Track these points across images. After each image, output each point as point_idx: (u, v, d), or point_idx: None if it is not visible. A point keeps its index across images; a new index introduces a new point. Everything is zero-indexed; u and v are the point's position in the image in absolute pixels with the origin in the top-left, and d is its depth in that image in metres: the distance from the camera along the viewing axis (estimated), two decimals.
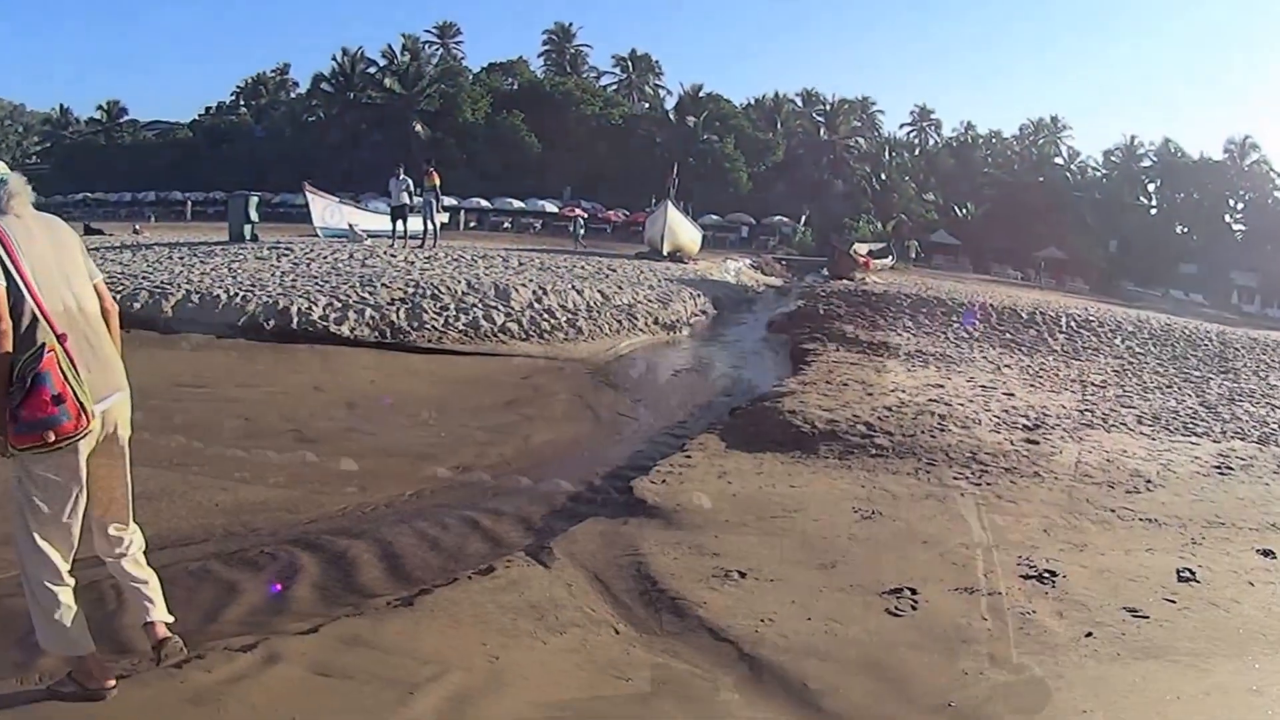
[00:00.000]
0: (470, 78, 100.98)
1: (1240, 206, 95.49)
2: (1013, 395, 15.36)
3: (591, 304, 22.31)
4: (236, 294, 19.56)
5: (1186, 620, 6.73)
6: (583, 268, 29.79)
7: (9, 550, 5.01)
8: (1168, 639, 6.38)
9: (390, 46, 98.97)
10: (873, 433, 11.79)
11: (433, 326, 18.76)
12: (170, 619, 5.12)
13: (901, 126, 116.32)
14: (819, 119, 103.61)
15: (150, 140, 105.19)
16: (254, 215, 33.07)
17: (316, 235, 35.21)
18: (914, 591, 6.89)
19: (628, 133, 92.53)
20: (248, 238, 31.56)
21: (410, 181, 33.29)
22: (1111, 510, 9.44)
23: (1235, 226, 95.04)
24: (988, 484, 10.07)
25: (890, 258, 60.69)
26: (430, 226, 32.97)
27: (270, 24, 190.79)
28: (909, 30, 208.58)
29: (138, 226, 46.19)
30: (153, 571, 5.21)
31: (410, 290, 20.71)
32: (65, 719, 4.74)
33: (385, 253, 28.03)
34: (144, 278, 20.96)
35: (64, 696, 4.84)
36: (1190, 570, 7.69)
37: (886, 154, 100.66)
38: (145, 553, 5.23)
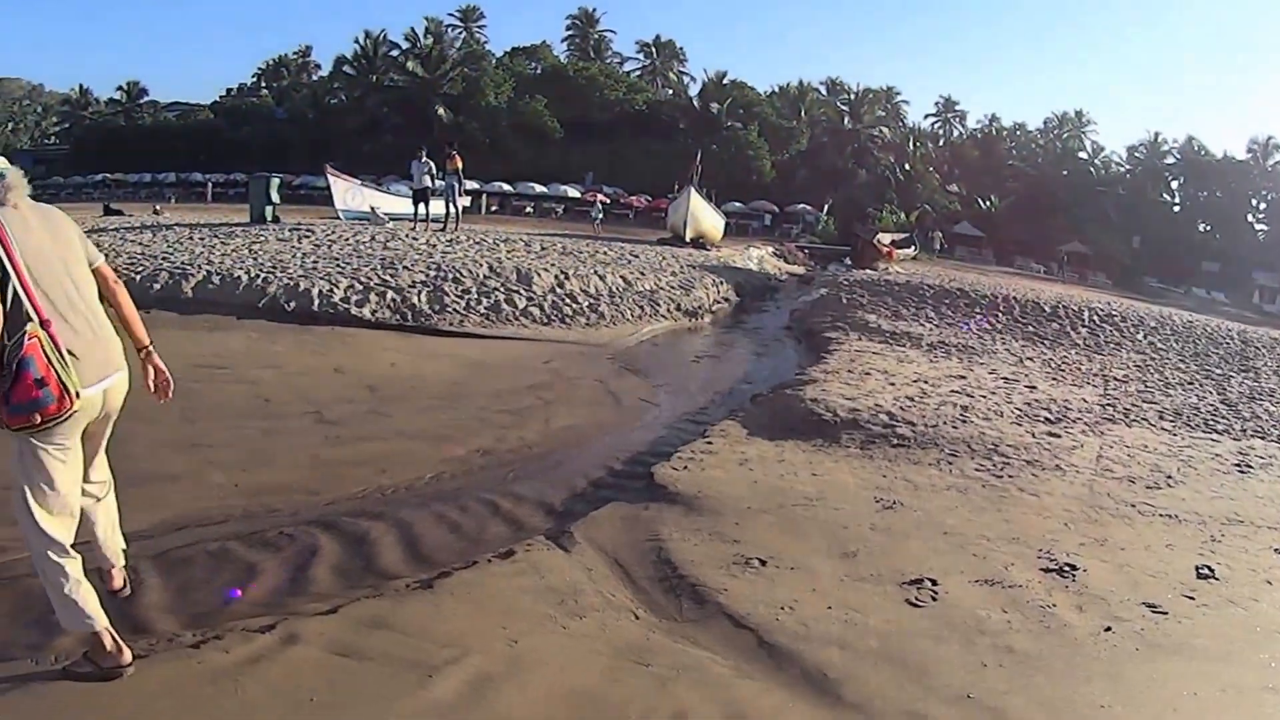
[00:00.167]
0: (493, 62, 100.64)
1: (1263, 206, 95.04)
2: (1035, 388, 15.30)
3: (614, 289, 22.28)
4: (257, 275, 19.55)
5: (1205, 617, 6.75)
6: (605, 253, 29.73)
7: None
8: (1186, 635, 6.40)
9: (413, 29, 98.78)
10: (895, 422, 11.76)
11: (454, 310, 18.72)
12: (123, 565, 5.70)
13: (926, 117, 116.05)
14: (843, 108, 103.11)
15: (170, 121, 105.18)
16: (275, 197, 32.95)
17: (338, 217, 35.07)
18: (934, 582, 6.91)
19: (651, 119, 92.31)
20: (268, 219, 31.44)
21: (432, 164, 33.19)
22: (1132, 505, 9.44)
23: (1258, 226, 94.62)
24: (1009, 476, 10.05)
25: (913, 248, 60.58)
26: (452, 210, 32.95)
27: (292, 6, 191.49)
28: (935, 21, 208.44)
29: (158, 207, 46.38)
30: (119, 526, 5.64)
31: (432, 273, 20.70)
32: (82, 698, 4.75)
33: (407, 236, 27.96)
34: (164, 258, 20.94)
35: (80, 676, 4.87)
36: (1209, 567, 7.70)
37: (911, 144, 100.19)
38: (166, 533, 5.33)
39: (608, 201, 72.31)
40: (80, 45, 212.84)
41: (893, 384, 14.46)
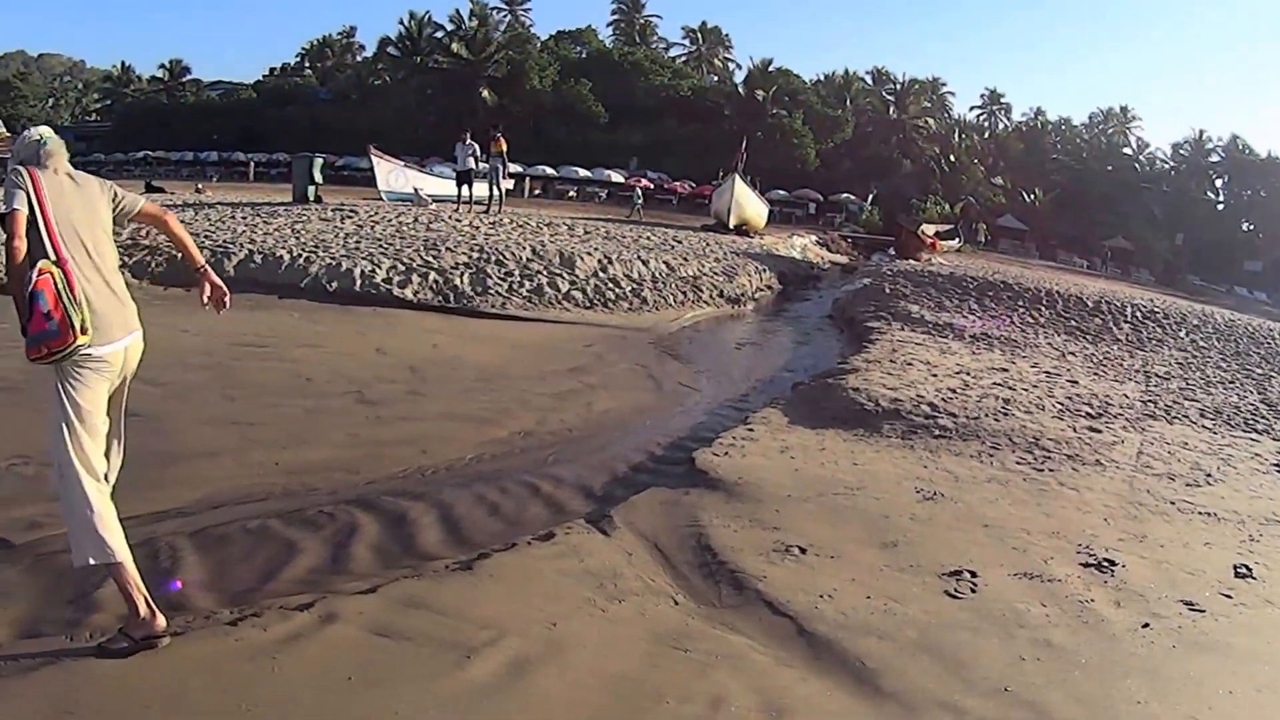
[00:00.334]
0: (538, 45, 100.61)
1: None
2: (1077, 383, 15.21)
3: (656, 274, 22.28)
4: (299, 255, 19.65)
5: (1242, 616, 6.72)
6: (648, 238, 29.78)
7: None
8: (1223, 634, 6.37)
9: (458, 11, 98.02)
10: (936, 413, 11.73)
11: (496, 292, 18.78)
12: None
13: (971, 109, 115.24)
14: (889, 98, 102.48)
15: (213, 100, 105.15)
16: (318, 177, 32.82)
17: (380, 199, 35.06)
18: (974, 574, 6.89)
19: (696, 105, 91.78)
20: (311, 199, 31.51)
21: (477, 147, 33.31)
22: (1171, 502, 9.40)
23: None
24: (1050, 470, 10.02)
25: (957, 239, 60.22)
26: (495, 192, 33.04)
27: None
28: (980, 12, 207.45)
29: (200, 186, 46.45)
30: None
31: (475, 255, 20.77)
32: (117, 675, 4.77)
33: (450, 217, 28.02)
34: (206, 236, 21.04)
35: (117, 653, 4.91)
36: (1247, 567, 7.67)
37: (956, 135, 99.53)
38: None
39: (650, 187, 72.13)
40: (122, 21, 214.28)
41: (935, 375, 14.39)
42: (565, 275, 20.25)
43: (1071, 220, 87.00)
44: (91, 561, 4.93)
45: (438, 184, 39.15)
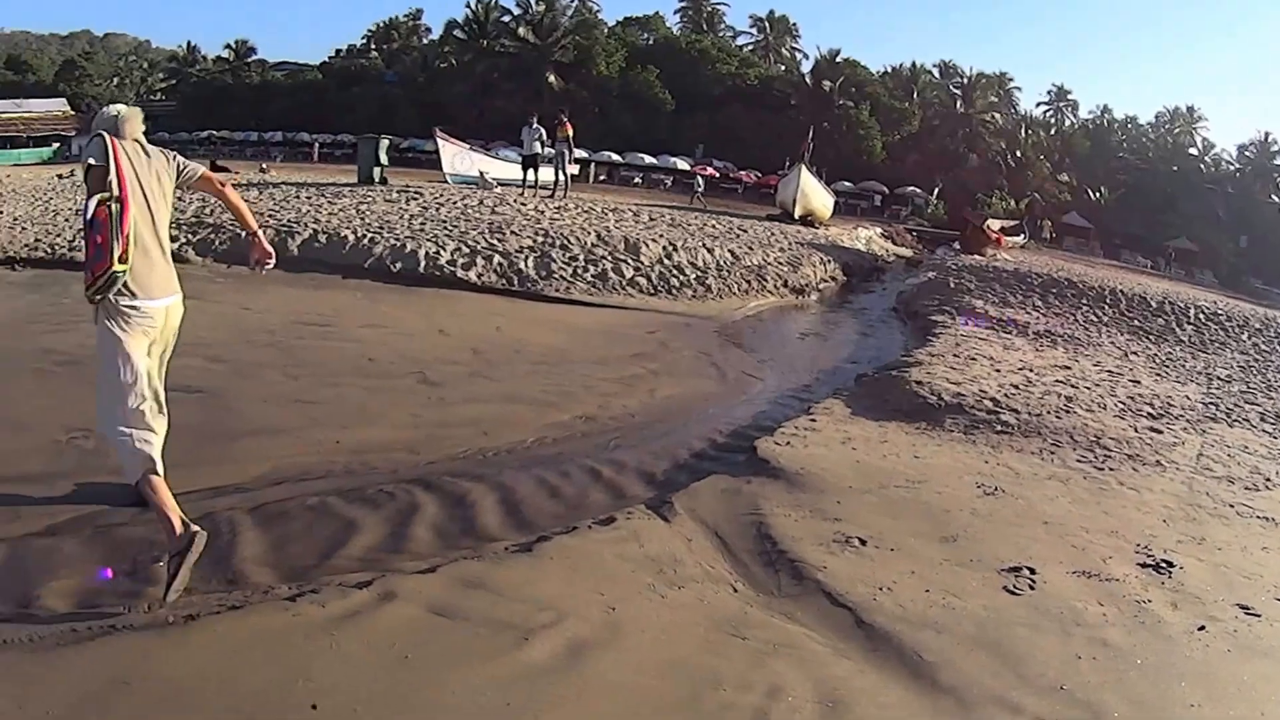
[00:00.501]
0: (605, 31, 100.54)
1: None
2: (1139, 382, 15.05)
3: (721, 263, 22.20)
4: (364, 235, 19.80)
5: None
6: (713, 226, 29.69)
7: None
8: (1278, 640, 6.30)
9: None
10: (998, 409, 11.65)
11: (561, 276, 18.80)
12: None
13: (1038, 105, 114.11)
14: (955, 92, 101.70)
15: (278, 81, 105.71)
16: (383, 159, 33.00)
17: (445, 181, 35.24)
18: (1033, 571, 6.86)
19: (762, 94, 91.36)
20: (376, 181, 31.71)
21: (543, 131, 33.32)
22: (1230, 505, 9.31)
23: None
24: (1110, 469, 9.93)
25: (1022, 236, 59.84)
26: (561, 178, 32.96)
27: None
28: (1050, 9, 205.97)
29: (264, 165, 46.91)
30: None
31: (539, 239, 20.81)
32: (172, 644, 4.84)
33: (515, 201, 28.03)
34: (270, 215, 21.28)
35: (174, 562, 5.25)
36: None
37: (1022, 131, 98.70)
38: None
39: (714, 175, 72.15)
40: (188, 3, 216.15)
41: (998, 370, 14.29)
42: (630, 261, 20.25)
43: (1136, 219, 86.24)
44: (141, 471, 5.60)
45: (503, 168, 39.22)
